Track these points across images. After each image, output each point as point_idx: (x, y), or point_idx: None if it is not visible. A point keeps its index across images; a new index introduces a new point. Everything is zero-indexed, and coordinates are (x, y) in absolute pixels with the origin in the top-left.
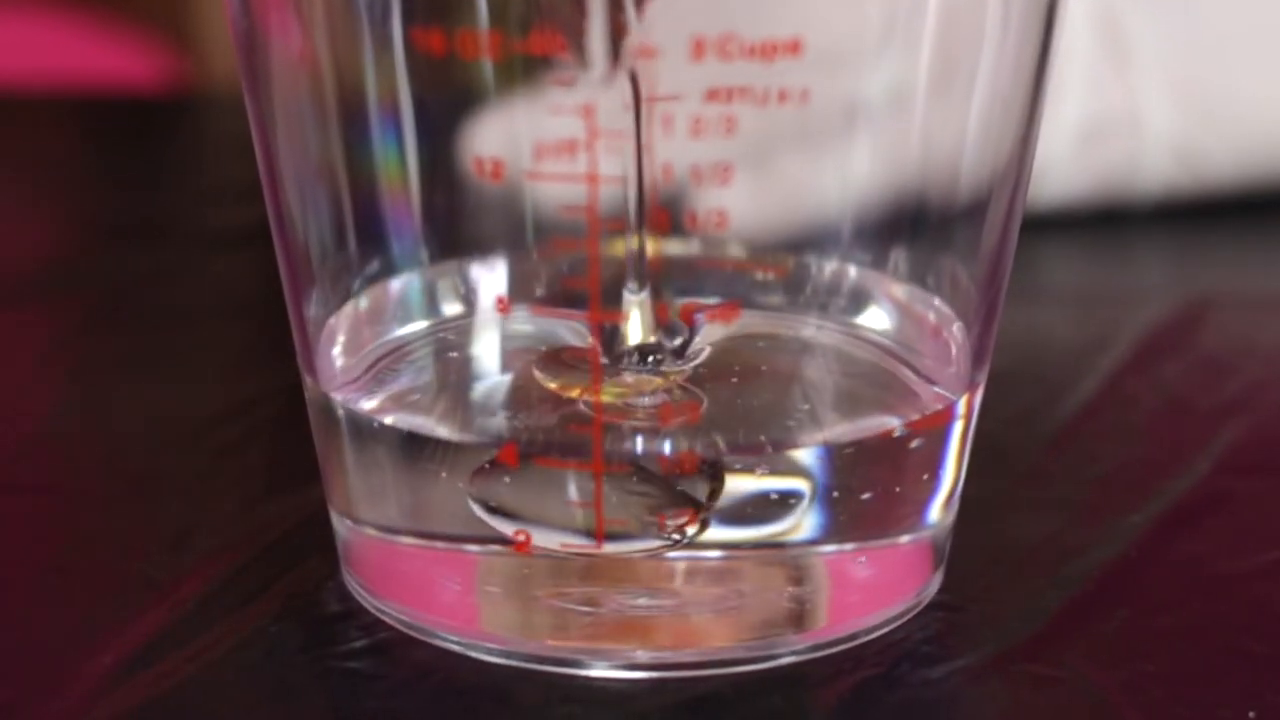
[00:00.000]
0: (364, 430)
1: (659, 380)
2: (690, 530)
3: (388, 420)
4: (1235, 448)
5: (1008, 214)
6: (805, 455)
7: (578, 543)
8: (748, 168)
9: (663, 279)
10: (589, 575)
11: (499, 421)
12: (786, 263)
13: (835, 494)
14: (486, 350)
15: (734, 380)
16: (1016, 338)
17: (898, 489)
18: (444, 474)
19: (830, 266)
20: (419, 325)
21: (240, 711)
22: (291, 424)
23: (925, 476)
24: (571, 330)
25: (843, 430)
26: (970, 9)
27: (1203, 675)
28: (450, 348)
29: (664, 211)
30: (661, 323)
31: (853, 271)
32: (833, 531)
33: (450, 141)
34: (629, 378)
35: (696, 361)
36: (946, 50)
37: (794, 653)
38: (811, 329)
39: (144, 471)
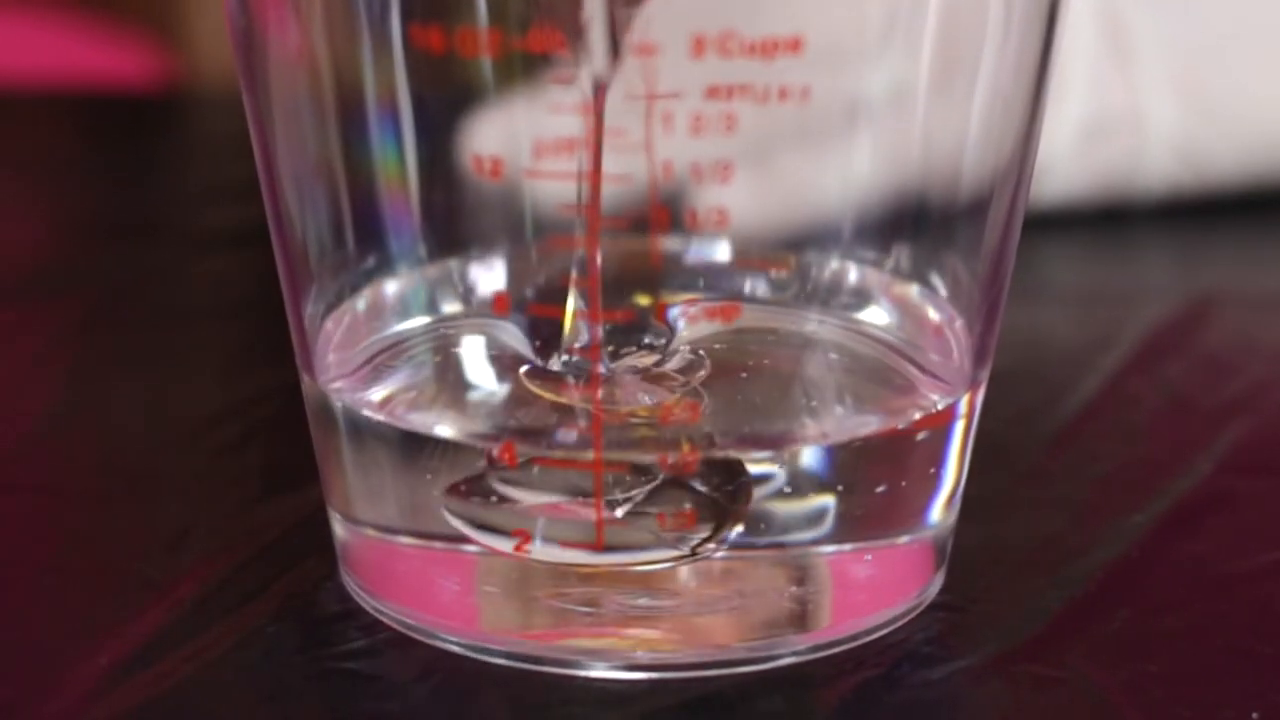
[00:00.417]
0: (362, 429)
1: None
2: (710, 547)
3: (386, 419)
4: (1238, 447)
5: (1010, 212)
6: (806, 455)
7: (578, 542)
8: (748, 166)
9: (662, 277)
10: (589, 575)
11: (498, 421)
12: (787, 261)
13: (837, 494)
14: (485, 349)
15: (734, 379)
16: (1018, 337)
17: (899, 489)
18: (443, 473)
19: (831, 265)
20: (418, 323)
21: (238, 712)
22: (289, 424)
23: (927, 476)
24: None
25: (844, 429)
26: (972, 6)
27: (1205, 676)
28: (449, 346)
29: (664, 209)
30: (660, 321)
31: (854, 270)
32: (834, 532)
33: (449, 139)
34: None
35: (701, 373)
36: (948, 48)
37: (795, 653)
38: (812, 328)
39: (142, 471)
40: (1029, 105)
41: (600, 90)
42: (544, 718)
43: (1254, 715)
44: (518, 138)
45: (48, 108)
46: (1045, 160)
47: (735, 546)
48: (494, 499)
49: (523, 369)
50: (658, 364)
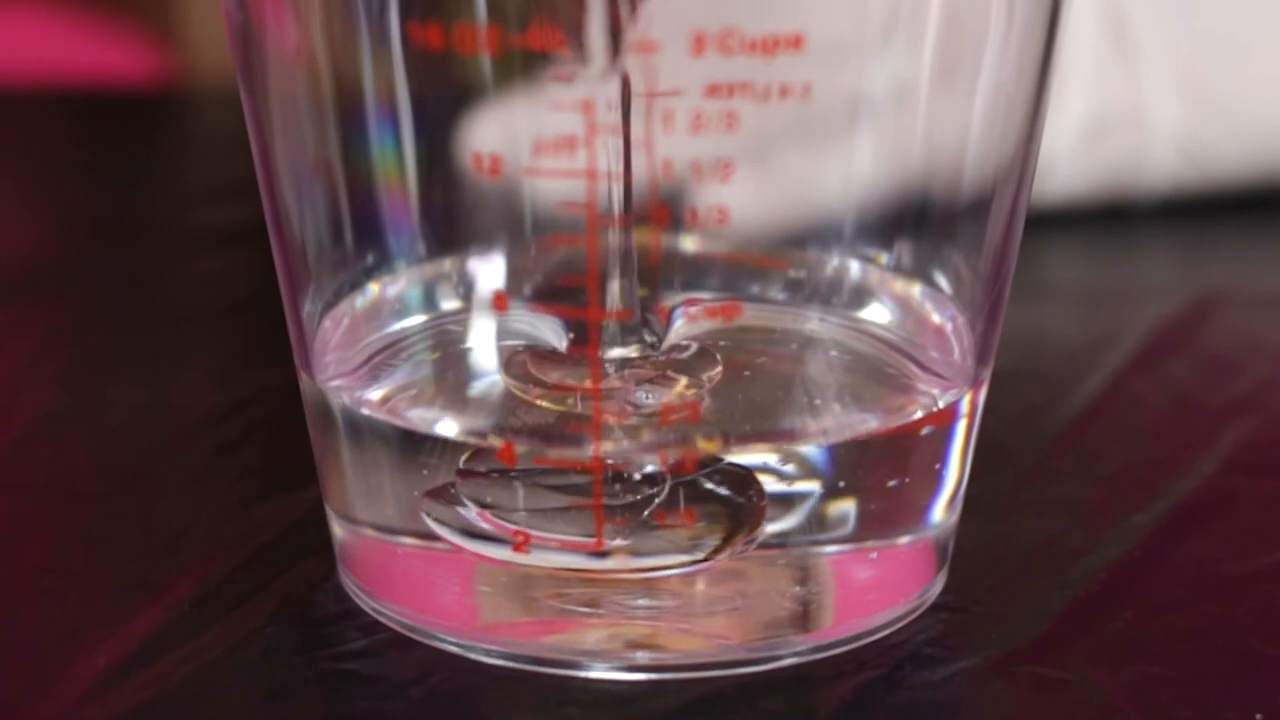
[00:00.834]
0: (361, 428)
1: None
2: (723, 556)
3: (385, 417)
4: (1242, 447)
5: (1012, 210)
6: (807, 454)
7: (578, 542)
8: (749, 164)
9: (662, 275)
10: (588, 576)
11: (497, 420)
12: (788, 259)
13: (838, 493)
14: (485, 348)
15: (735, 378)
16: (1020, 335)
17: (901, 488)
18: (442, 472)
19: (833, 263)
20: (417, 322)
21: (236, 713)
22: (287, 423)
23: (929, 475)
24: (559, 328)
25: (845, 429)
26: (974, 3)
27: (1209, 677)
28: (448, 344)
29: (664, 207)
30: (660, 320)
31: (855, 268)
32: (835, 531)
33: (448, 137)
34: (630, 373)
35: (716, 371)
36: (950, 44)
37: (796, 654)
38: (813, 327)
39: (138, 471)
40: (1031, 102)
41: (625, 85)
42: (543, 719)
43: (1257, 717)
44: (517, 136)
45: (42, 105)
46: (1048, 158)
47: None
48: (492, 499)
49: (522, 368)
50: (658, 363)
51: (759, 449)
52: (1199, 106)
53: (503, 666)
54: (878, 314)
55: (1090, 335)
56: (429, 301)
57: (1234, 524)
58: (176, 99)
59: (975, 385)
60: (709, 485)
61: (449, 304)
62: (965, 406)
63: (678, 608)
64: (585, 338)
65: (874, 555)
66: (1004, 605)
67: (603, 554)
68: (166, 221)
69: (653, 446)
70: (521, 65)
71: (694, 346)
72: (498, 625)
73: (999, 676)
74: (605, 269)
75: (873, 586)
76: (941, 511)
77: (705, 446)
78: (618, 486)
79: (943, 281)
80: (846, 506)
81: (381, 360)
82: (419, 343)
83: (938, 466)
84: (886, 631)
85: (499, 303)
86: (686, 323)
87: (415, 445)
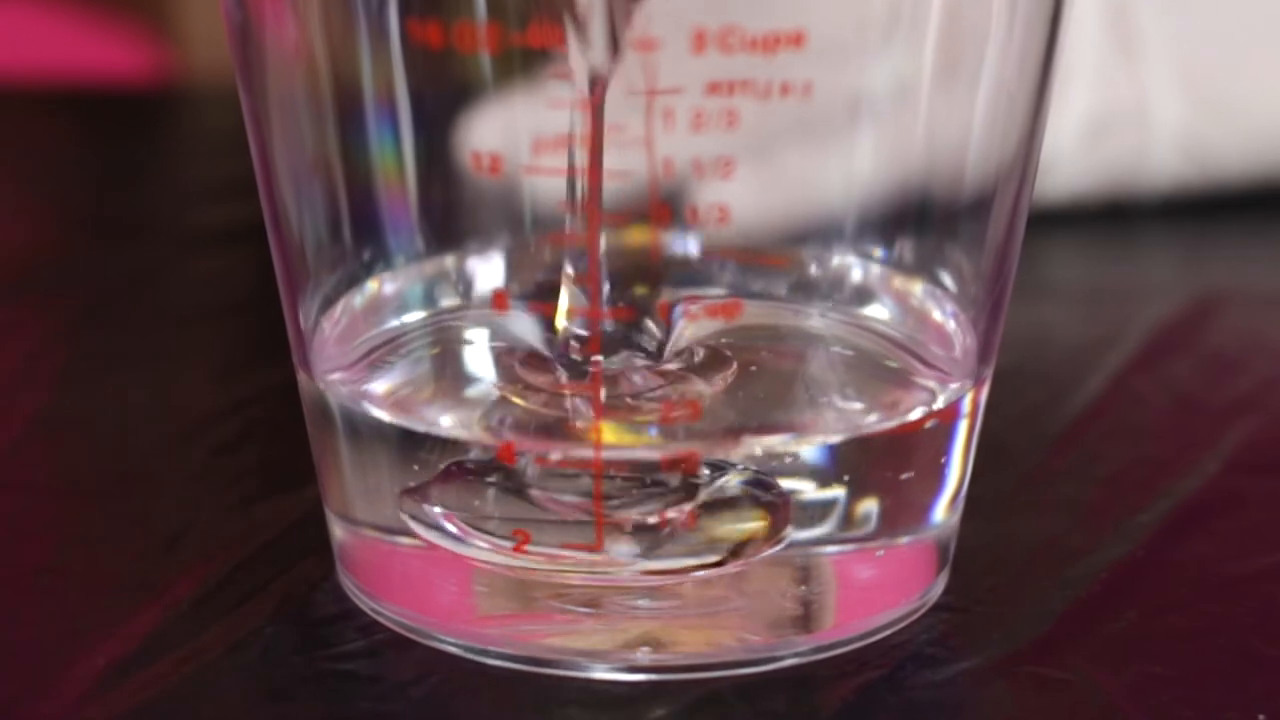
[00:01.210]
0: (360, 427)
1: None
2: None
3: (384, 416)
4: (1245, 447)
5: (1013, 208)
6: (808, 453)
7: (577, 543)
8: (750, 161)
9: (662, 274)
10: (588, 576)
11: (497, 419)
12: (789, 258)
13: (839, 493)
14: (484, 346)
15: (736, 377)
16: (1022, 335)
17: (903, 488)
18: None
19: (834, 262)
20: (415, 321)
21: (235, 714)
22: (286, 423)
23: (930, 475)
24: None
25: (847, 428)
26: (975, 0)
27: (1211, 678)
28: (447, 343)
29: (665, 206)
30: (661, 319)
31: (856, 267)
32: (836, 531)
33: (447, 136)
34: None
35: (730, 377)
36: (951, 42)
37: (797, 654)
38: (814, 326)
39: (137, 471)
40: (1033, 100)
41: (599, 86)
42: None
43: (1260, 717)
44: (517, 134)
45: (38, 103)
46: (1050, 156)
47: None
48: (491, 499)
49: (522, 366)
50: (658, 361)
51: (760, 448)
52: (1201, 105)
53: (502, 667)
54: (879, 313)
55: (1092, 334)
56: (428, 299)
57: (1236, 524)
58: (175, 97)
59: (977, 384)
60: (726, 488)
61: (448, 302)
62: (967, 405)
63: (678, 608)
64: (585, 336)
65: (876, 555)
66: (1006, 605)
67: (602, 554)
68: (165, 220)
69: (653, 446)
70: (521, 63)
71: (703, 348)
72: (497, 626)
73: (1001, 677)
74: (605, 268)
75: (874, 587)
76: (943, 511)
77: (706, 446)
78: (618, 487)
79: (944, 280)
80: (848, 506)
81: (380, 357)
82: (418, 340)
83: (939, 466)
84: (888, 632)
85: (498, 301)
86: (687, 321)
87: (414, 444)
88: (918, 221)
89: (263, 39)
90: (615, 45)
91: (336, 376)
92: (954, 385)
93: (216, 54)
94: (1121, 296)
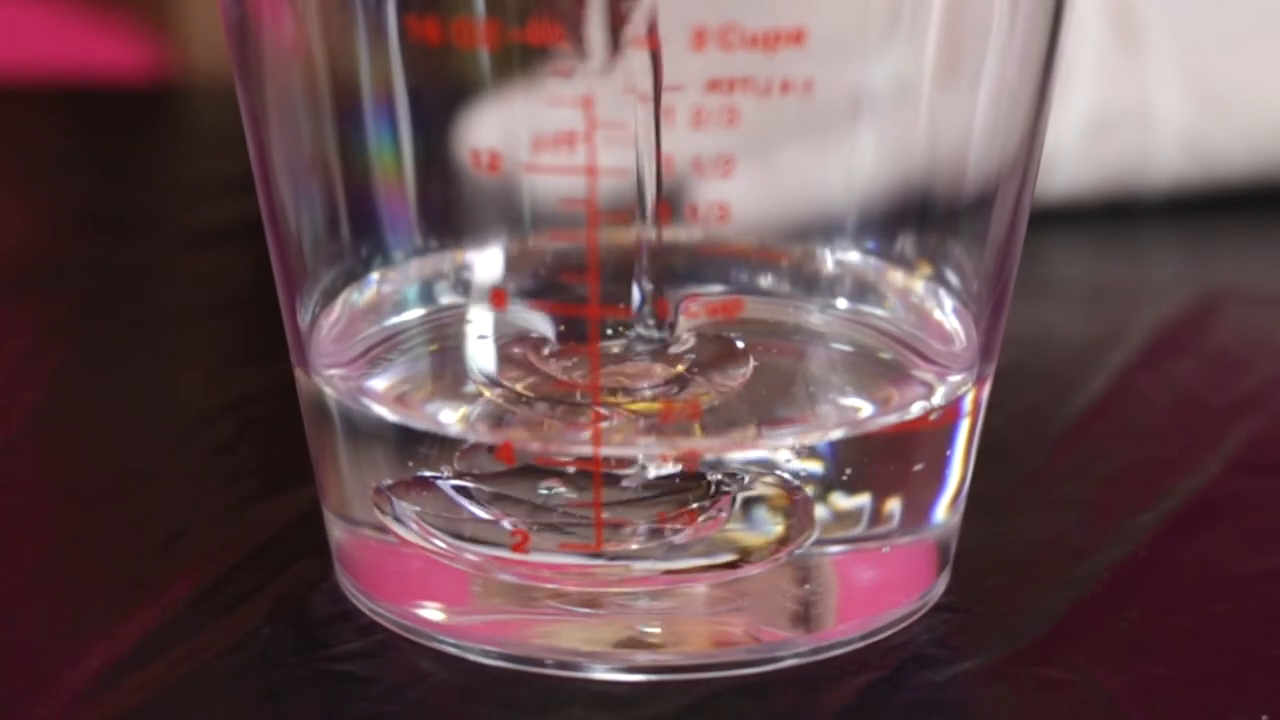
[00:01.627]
0: (358, 425)
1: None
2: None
3: (382, 414)
4: (1248, 446)
5: (1015, 206)
6: (809, 452)
7: (576, 543)
8: (750, 159)
9: (663, 272)
10: (588, 576)
11: (496, 417)
12: (790, 255)
13: (840, 492)
14: (483, 344)
15: (736, 376)
16: (1024, 333)
17: (904, 487)
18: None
19: (834, 260)
20: (414, 319)
21: (233, 715)
22: (284, 423)
23: (931, 474)
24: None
25: (848, 426)
26: None
27: (1214, 678)
28: (446, 341)
29: (665, 203)
30: (661, 317)
31: (858, 264)
32: (837, 531)
33: (446, 133)
34: (630, 370)
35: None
36: (953, 39)
37: (798, 655)
38: (815, 324)
39: (134, 471)
40: (1035, 98)
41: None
42: None
43: (1263, 718)
44: (516, 132)
45: (34, 99)
46: (1052, 154)
47: None
48: (491, 498)
49: (521, 364)
50: (658, 360)
51: (761, 446)
52: (1204, 103)
53: (502, 667)
54: (880, 311)
55: (1094, 333)
56: (427, 297)
57: (1240, 523)
58: (173, 94)
59: (978, 382)
60: (748, 488)
61: (446, 300)
62: (969, 404)
63: (679, 608)
64: (585, 335)
65: (875, 556)
66: (1007, 605)
67: (601, 555)
68: (163, 218)
69: (653, 445)
70: (520, 60)
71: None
72: (496, 625)
73: (1002, 677)
74: (605, 265)
75: (875, 587)
76: (945, 511)
77: (706, 445)
78: (617, 486)
79: (946, 278)
80: (849, 506)
81: (378, 355)
82: (416, 338)
83: (941, 465)
84: (889, 632)
85: (497, 299)
86: (687, 319)
87: (412, 443)
88: (919, 219)
89: (260, 36)
90: (615, 43)
91: (335, 374)
92: (956, 383)
93: (214, 51)
94: (1124, 295)
